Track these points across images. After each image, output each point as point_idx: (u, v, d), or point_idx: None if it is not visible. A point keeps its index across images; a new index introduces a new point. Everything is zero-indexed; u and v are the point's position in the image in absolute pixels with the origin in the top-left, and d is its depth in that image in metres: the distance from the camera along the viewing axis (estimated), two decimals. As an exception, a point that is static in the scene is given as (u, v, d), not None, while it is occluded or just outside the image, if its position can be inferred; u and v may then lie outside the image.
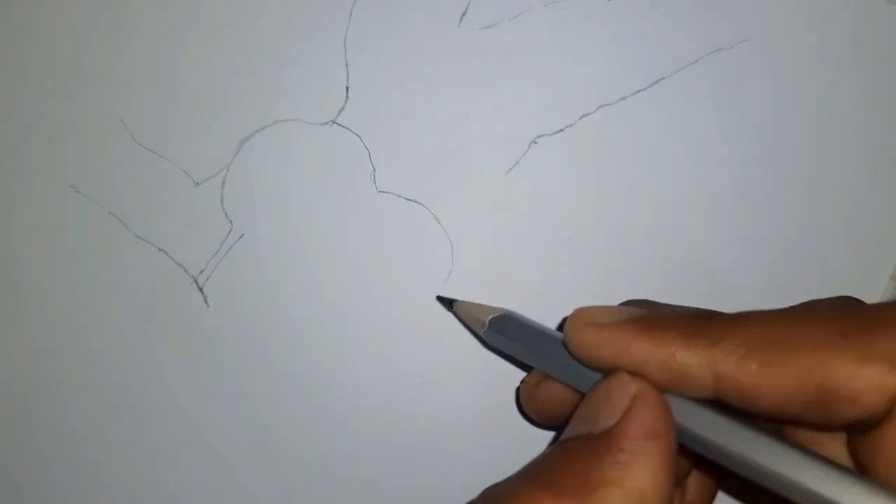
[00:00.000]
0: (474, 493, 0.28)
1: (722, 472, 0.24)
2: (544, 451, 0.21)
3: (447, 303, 0.28)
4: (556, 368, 0.23)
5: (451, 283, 0.29)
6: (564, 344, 0.22)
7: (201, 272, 0.29)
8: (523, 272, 0.29)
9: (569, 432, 0.21)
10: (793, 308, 0.20)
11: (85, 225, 0.29)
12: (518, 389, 0.28)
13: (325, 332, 0.29)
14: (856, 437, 0.20)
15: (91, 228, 0.29)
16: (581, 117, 0.29)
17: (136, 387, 0.29)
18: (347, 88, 0.29)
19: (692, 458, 0.24)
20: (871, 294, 0.29)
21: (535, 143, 0.29)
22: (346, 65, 0.29)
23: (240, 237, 0.29)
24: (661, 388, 0.20)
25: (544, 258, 0.29)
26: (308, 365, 0.29)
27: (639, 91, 0.29)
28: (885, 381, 0.18)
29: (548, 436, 0.29)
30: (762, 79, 0.29)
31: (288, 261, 0.29)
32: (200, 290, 0.29)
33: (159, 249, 0.29)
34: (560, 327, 0.27)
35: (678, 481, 0.24)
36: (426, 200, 0.29)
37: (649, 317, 0.21)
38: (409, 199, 0.29)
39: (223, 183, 0.29)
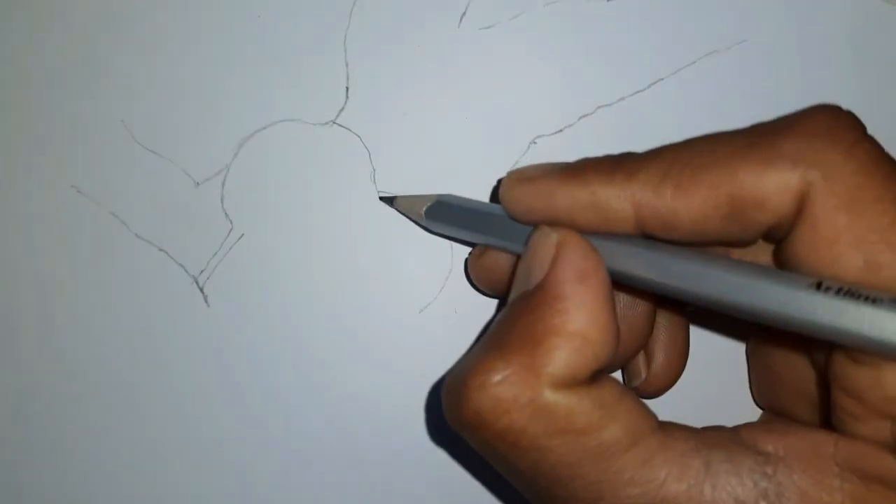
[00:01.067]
0: (478, 489, 0.29)
1: (687, 307, 0.25)
2: (494, 320, 0.21)
3: (389, 201, 0.28)
4: (494, 238, 0.24)
5: (451, 282, 0.29)
6: (502, 205, 0.23)
7: (201, 272, 0.29)
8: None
9: (511, 296, 0.22)
10: (710, 134, 0.21)
11: (85, 225, 0.29)
12: (465, 261, 0.28)
13: (326, 332, 0.29)
14: (778, 248, 0.20)
15: (91, 228, 0.29)
16: (580, 118, 0.29)
17: (135, 387, 0.29)
18: (347, 88, 0.29)
19: (651, 298, 0.24)
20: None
21: (535, 143, 0.29)
22: (346, 65, 0.29)
23: (240, 237, 0.29)
24: (591, 231, 0.21)
25: (544, 258, 0.29)
26: (308, 365, 0.29)
27: (638, 91, 0.29)
28: (788, 179, 0.18)
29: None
30: (762, 79, 0.29)
31: (288, 261, 0.29)
32: (200, 290, 0.29)
33: (159, 249, 0.29)
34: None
35: (639, 337, 0.25)
36: (426, 200, 0.29)
37: (572, 164, 0.21)
38: (408, 200, 0.29)
39: (223, 183, 0.29)
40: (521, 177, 0.22)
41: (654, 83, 0.28)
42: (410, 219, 0.28)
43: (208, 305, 0.29)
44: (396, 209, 0.28)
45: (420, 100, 0.29)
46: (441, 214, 0.26)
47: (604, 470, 0.19)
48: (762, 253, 0.22)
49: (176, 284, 0.29)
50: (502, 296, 0.28)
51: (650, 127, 0.28)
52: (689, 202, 0.19)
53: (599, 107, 0.29)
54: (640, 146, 0.28)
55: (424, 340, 0.28)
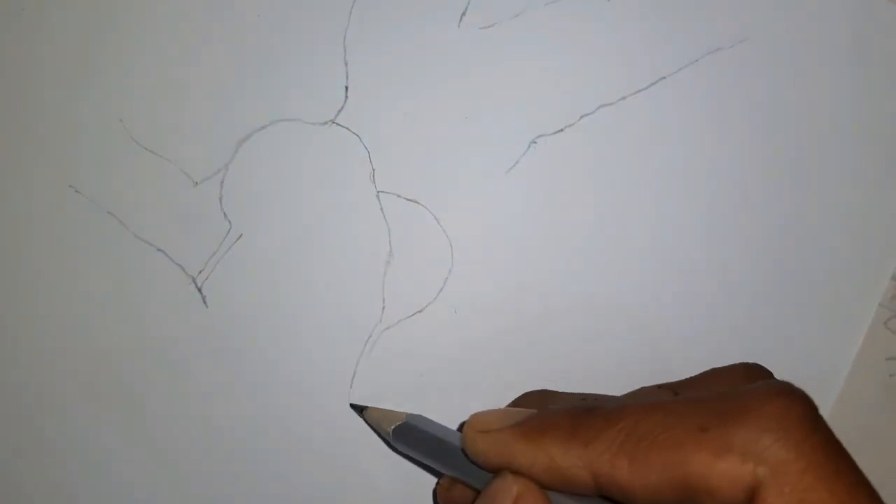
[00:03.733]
0: None
1: None
2: None
3: (358, 410, 0.28)
4: (459, 471, 0.24)
5: (451, 282, 0.28)
6: (464, 450, 0.23)
7: (200, 272, 0.29)
8: (523, 272, 0.28)
9: None
10: (678, 385, 0.22)
11: (84, 225, 0.29)
12: (434, 491, 0.28)
13: (325, 332, 0.28)
14: None
15: (90, 228, 0.29)
16: (581, 117, 0.29)
17: (134, 387, 0.28)
18: (347, 88, 0.29)
19: None
20: (872, 294, 0.29)
21: (535, 143, 0.29)
22: (346, 64, 0.29)
23: (238, 237, 0.29)
24: (550, 489, 0.21)
25: (544, 258, 0.28)
26: (307, 365, 0.28)
27: (639, 91, 0.29)
28: (738, 473, 0.18)
29: None
30: (762, 79, 0.29)
31: (287, 261, 0.29)
32: (199, 290, 0.29)
33: (158, 249, 0.29)
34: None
35: None
36: (426, 200, 0.29)
37: (532, 420, 0.22)
38: (408, 199, 0.29)
39: (222, 183, 0.29)
40: (481, 427, 0.22)
41: (656, 82, 0.28)
42: (377, 433, 0.28)
43: (207, 305, 0.29)
44: (366, 420, 0.28)
45: (420, 100, 0.29)
46: (408, 437, 0.26)
47: None
48: None
49: (174, 284, 0.28)
50: None
51: (651, 125, 0.28)
52: (643, 478, 0.19)
53: (601, 106, 0.28)
54: (641, 145, 0.28)
55: (424, 340, 0.28)
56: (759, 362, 0.26)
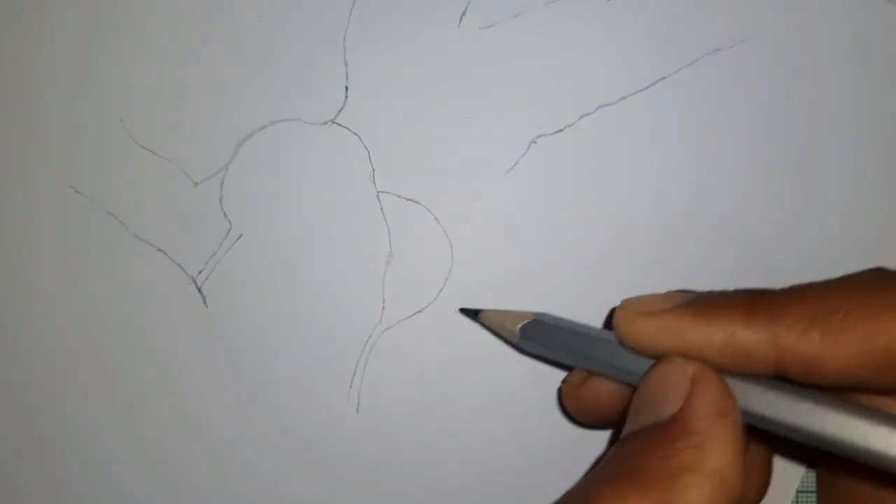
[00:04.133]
0: (476, 494, 0.28)
1: (776, 440, 0.24)
2: (613, 448, 0.21)
3: (472, 314, 0.27)
4: (601, 365, 0.23)
5: (451, 282, 0.28)
6: (619, 337, 0.22)
7: (200, 272, 0.29)
8: (523, 272, 0.28)
9: (631, 425, 0.21)
10: (845, 277, 0.20)
11: (83, 225, 0.29)
12: (560, 390, 0.27)
13: (325, 333, 0.28)
14: None
15: (89, 228, 0.29)
16: (581, 117, 0.29)
17: (134, 387, 0.28)
18: (347, 88, 0.29)
19: (765, 438, 0.24)
20: (872, 294, 0.29)
21: (535, 143, 0.29)
22: (346, 64, 0.29)
23: (239, 237, 0.29)
24: (721, 369, 0.20)
25: (544, 258, 0.28)
26: (307, 365, 0.28)
27: (639, 91, 0.28)
28: None
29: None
30: (762, 79, 0.29)
31: (287, 261, 0.29)
32: (199, 290, 0.29)
33: (158, 249, 0.29)
34: (606, 323, 0.27)
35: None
36: (426, 200, 0.29)
37: (702, 299, 0.21)
38: (408, 199, 0.29)
39: (222, 183, 0.29)
40: (643, 310, 0.21)
41: (656, 82, 0.28)
42: (498, 335, 0.27)
43: (207, 306, 0.29)
44: (482, 324, 0.27)
45: (420, 99, 0.29)
46: (537, 334, 0.25)
47: None
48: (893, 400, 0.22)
49: (174, 285, 0.28)
50: (603, 426, 0.27)
51: (652, 126, 0.28)
52: (839, 351, 0.18)
53: (601, 106, 0.28)
54: (641, 145, 0.28)
55: (424, 340, 0.28)
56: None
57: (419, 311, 0.28)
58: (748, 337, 0.19)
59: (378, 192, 0.29)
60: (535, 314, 0.25)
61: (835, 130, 0.29)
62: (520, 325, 0.25)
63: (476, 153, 0.29)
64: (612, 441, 0.28)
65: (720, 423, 0.19)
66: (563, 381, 0.26)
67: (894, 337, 0.18)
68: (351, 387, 0.28)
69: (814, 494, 0.29)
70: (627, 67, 0.28)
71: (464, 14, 0.29)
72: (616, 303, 0.28)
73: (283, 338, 0.28)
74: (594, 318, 0.28)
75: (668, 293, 0.22)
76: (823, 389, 0.20)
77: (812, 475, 0.28)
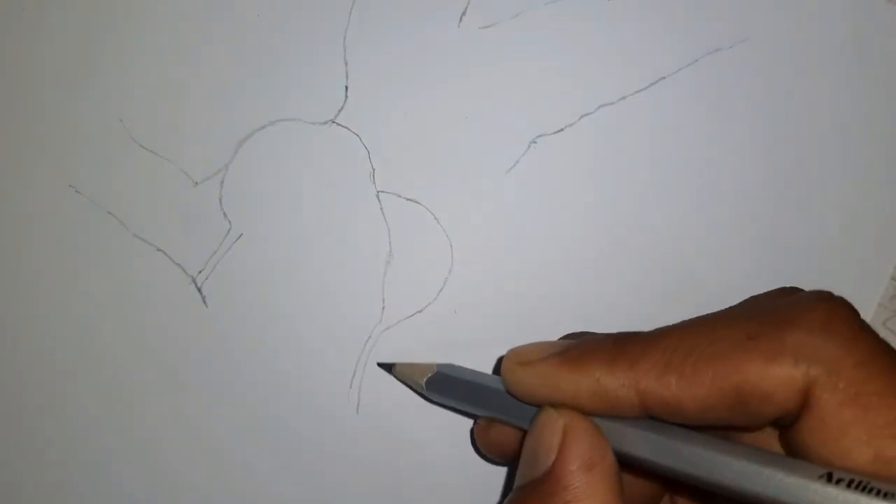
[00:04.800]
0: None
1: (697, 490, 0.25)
2: (505, 501, 0.22)
3: (387, 367, 0.28)
4: (498, 411, 0.24)
5: (451, 282, 0.28)
6: (504, 386, 0.23)
7: (200, 272, 0.29)
8: (523, 272, 0.28)
9: (518, 479, 0.22)
10: (716, 313, 0.21)
11: (83, 224, 0.29)
12: (472, 431, 0.28)
13: (325, 333, 0.28)
14: (785, 434, 0.20)
15: (89, 228, 0.29)
16: (581, 117, 0.29)
17: (134, 387, 0.28)
18: (347, 88, 0.29)
19: (657, 479, 0.25)
20: (872, 294, 0.29)
21: (535, 143, 0.29)
22: (346, 64, 0.29)
23: (238, 237, 0.29)
24: (596, 414, 0.21)
25: (544, 258, 0.28)
26: (307, 365, 0.28)
27: (639, 91, 0.29)
28: (791, 375, 0.18)
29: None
30: (762, 79, 0.29)
31: (287, 261, 0.29)
32: (199, 290, 0.29)
33: (158, 249, 0.29)
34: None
35: (650, 497, 0.25)
36: (426, 200, 0.29)
37: (573, 348, 0.22)
38: (409, 199, 0.29)
39: (222, 183, 0.29)
40: (521, 360, 0.22)
41: (656, 82, 0.28)
42: (409, 386, 0.28)
43: (207, 306, 0.29)
44: (395, 377, 0.28)
45: (420, 99, 0.29)
46: (441, 386, 0.26)
47: None
48: (768, 436, 0.22)
49: (174, 284, 0.28)
50: (505, 462, 0.28)
51: (652, 125, 0.28)
52: (693, 392, 0.19)
53: (601, 105, 0.28)
54: (641, 145, 0.28)
55: (424, 340, 0.28)
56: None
57: (419, 311, 0.28)
58: (612, 383, 0.20)
59: (378, 192, 0.29)
60: (440, 366, 0.26)
61: (835, 130, 0.29)
62: (424, 379, 0.26)
63: (476, 153, 0.29)
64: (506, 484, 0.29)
65: (590, 474, 0.20)
66: (475, 424, 0.27)
67: (740, 378, 0.19)
68: (351, 387, 0.28)
69: None
70: (627, 67, 0.28)
71: (464, 14, 0.29)
72: (616, 302, 0.29)
73: (283, 338, 0.28)
74: (594, 318, 0.28)
75: (549, 342, 0.23)
76: (693, 429, 0.20)
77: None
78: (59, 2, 0.29)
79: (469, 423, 0.28)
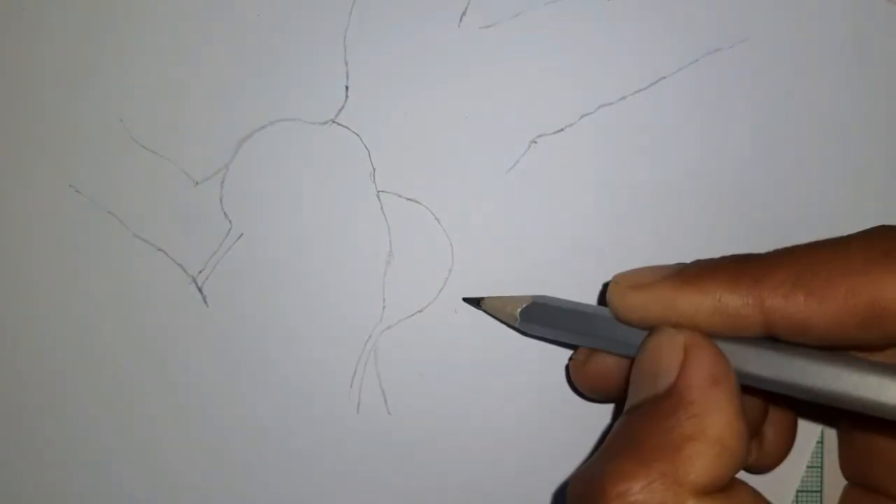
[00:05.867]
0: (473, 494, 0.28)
1: (796, 403, 0.24)
2: (616, 425, 0.21)
3: (474, 302, 0.28)
4: (600, 341, 0.24)
5: (451, 282, 0.28)
6: (612, 312, 0.22)
7: (200, 272, 0.29)
8: (523, 272, 0.28)
9: (632, 399, 0.21)
10: (832, 239, 0.21)
11: (84, 224, 0.29)
12: (567, 367, 0.28)
13: (325, 333, 0.28)
14: None
15: (90, 228, 0.29)
16: (581, 117, 0.29)
17: (134, 387, 0.28)
18: (347, 88, 0.29)
19: (763, 397, 0.24)
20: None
21: (535, 142, 0.29)
22: (346, 64, 0.29)
23: (239, 237, 0.29)
24: (713, 335, 0.20)
25: (544, 258, 0.28)
26: (307, 365, 0.28)
27: (639, 91, 0.29)
28: None
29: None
30: (762, 79, 0.29)
31: (287, 261, 0.29)
32: (199, 289, 0.29)
33: (158, 249, 0.29)
34: (600, 299, 0.27)
35: (755, 426, 0.25)
36: (426, 200, 0.29)
37: (689, 269, 0.21)
38: (409, 199, 0.29)
39: (222, 182, 0.29)
40: (633, 283, 0.22)
41: (656, 82, 0.28)
42: (500, 320, 0.27)
43: (207, 305, 0.29)
44: (484, 310, 0.27)
45: (420, 99, 0.29)
46: (537, 316, 0.25)
47: None
48: (888, 358, 0.22)
49: (175, 284, 0.28)
50: (611, 400, 0.27)
51: (652, 126, 0.28)
52: (823, 309, 0.19)
53: (601, 105, 0.28)
54: (641, 145, 0.28)
55: (424, 340, 0.28)
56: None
57: (419, 311, 0.28)
58: (735, 301, 0.20)
59: (378, 191, 0.29)
60: (535, 297, 0.26)
61: (835, 130, 0.29)
62: (520, 309, 0.26)
63: (476, 153, 0.29)
64: (616, 415, 0.28)
65: (715, 390, 0.19)
66: (570, 359, 0.27)
67: (876, 292, 0.18)
68: (351, 387, 0.28)
69: (815, 494, 0.29)
70: (627, 67, 0.28)
71: (464, 14, 0.29)
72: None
73: (283, 337, 0.28)
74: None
75: (659, 266, 0.22)
76: (815, 347, 0.20)
77: (813, 473, 0.29)
78: (59, 2, 0.29)
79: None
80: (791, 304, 0.19)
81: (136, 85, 0.29)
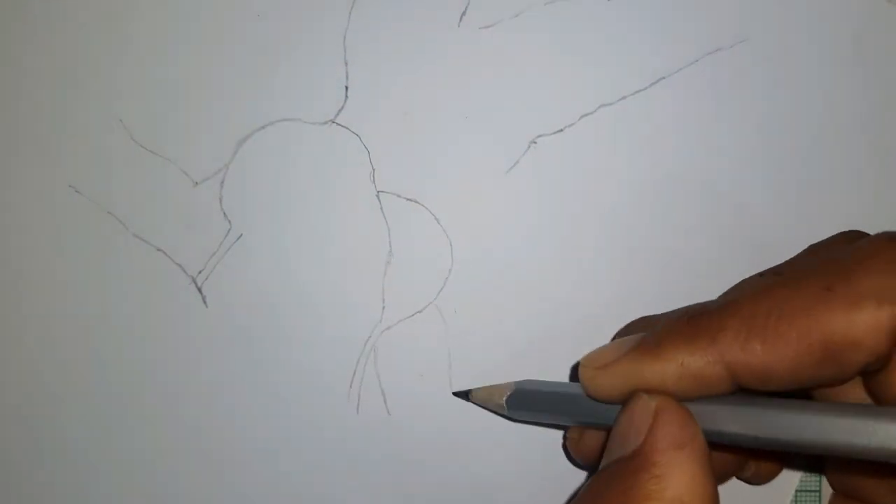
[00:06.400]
0: (474, 492, 0.28)
1: (779, 456, 0.25)
2: (583, 487, 0.22)
3: (463, 395, 0.28)
4: (584, 418, 0.24)
5: (451, 283, 0.28)
6: (585, 392, 0.23)
7: (200, 272, 0.29)
8: (523, 272, 0.28)
9: (604, 461, 0.22)
10: (779, 267, 0.21)
11: (83, 225, 0.29)
12: (564, 446, 0.28)
13: (325, 333, 0.28)
14: (872, 380, 0.20)
15: (89, 228, 0.29)
16: (581, 117, 0.29)
17: (134, 387, 0.28)
18: (347, 88, 0.29)
19: (740, 451, 0.25)
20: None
21: (535, 143, 0.29)
22: (346, 64, 0.29)
23: (238, 237, 0.29)
24: (685, 398, 0.21)
25: (544, 258, 0.28)
26: (307, 365, 0.28)
27: (639, 91, 0.29)
28: (877, 318, 0.18)
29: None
30: (762, 79, 0.29)
31: (287, 261, 0.29)
32: (199, 290, 0.29)
33: (158, 249, 0.29)
34: (572, 376, 0.28)
35: (728, 477, 0.25)
36: (426, 200, 0.29)
37: (647, 339, 0.21)
38: (408, 199, 0.29)
39: (222, 183, 0.29)
40: (599, 364, 0.22)
41: (656, 82, 0.28)
42: (489, 410, 0.28)
43: (207, 306, 0.29)
44: (473, 402, 0.28)
45: (420, 99, 0.29)
46: (522, 402, 0.26)
47: None
48: (853, 388, 0.22)
49: (174, 284, 0.28)
50: None
51: (652, 126, 0.28)
52: (780, 354, 0.19)
53: (601, 106, 0.28)
54: (641, 145, 0.28)
55: (424, 340, 0.28)
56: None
57: (419, 311, 0.28)
58: (696, 363, 0.20)
59: (378, 192, 0.29)
60: (517, 384, 0.26)
61: (835, 130, 0.29)
62: (505, 397, 0.26)
63: (476, 153, 0.29)
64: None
65: (679, 453, 0.20)
66: (565, 437, 0.28)
67: (825, 330, 0.19)
68: (351, 387, 0.28)
69: (814, 494, 0.29)
70: (627, 67, 0.28)
71: (464, 14, 0.29)
72: (616, 301, 0.29)
73: (283, 338, 0.28)
74: (594, 318, 0.28)
75: (621, 340, 0.23)
76: (786, 396, 0.20)
77: (811, 474, 0.29)
78: (60, 2, 0.29)
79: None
80: (749, 354, 0.19)
81: (136, 85, 0.29)
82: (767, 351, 0.19)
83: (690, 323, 0.21)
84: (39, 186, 0.29)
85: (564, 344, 0.28)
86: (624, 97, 0.28)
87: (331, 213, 0.29)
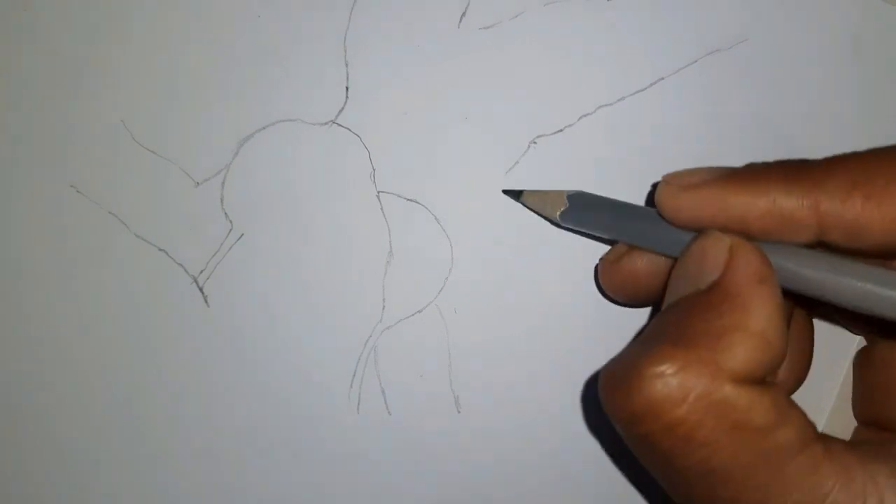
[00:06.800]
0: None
1: (817, 307, 0.24)
2: (656, 317, 0.21)
3: (514, 194, 0.27)
4: (642, 238, 0.23)
5: (450, 282, 0.29)
6: (661, 211, 0.22)
7: (201, 272, 0.29)
8: (523, 272, 0.29)
9: (673, 295, 0.21)
10: (887, 146, 0.21)
11: (85, 225, 0.29)
12: (597, 268, 0.28)
13: (325, 333, 0.28)
14: None
15: (91, 228, 0.29)
16: (580, 117, 0.29)
17: (135, 387, 0.29)
18: (347, 88, 0.29)
19: (796, 302, 0.24)
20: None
21: (535, 143, 0.29)
22: (346, 65, 0.29)
23: (240, 237, 0.29)
24: (761, 238, 0.20)
25: (544, 258, 0.29)
26: (308, 365, 0.29)
27: (639, 91, 0.29)
28: None
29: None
30: (762, 79, 0.29)
31: (288, 261, 0.29)
32: (200, 290, 0.29)
33: (159, 249, 0.29)
34: (648, 200, 0.27)
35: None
36: (426, 200, 0.29)
37: (741, 170, 0.21)
38: (409, 199, 0.29)
39: (223, 183, 0.29)
40: (684, 183, 0.21)
41: (655, 82, 0.28)
42: (540, 214, 0.27)
43: (208, 305, 0.29)
44: (524, 204, 0.27)
45: (420, 100, 0.29)
46: (577, 212, 0.25)
47: (774, 473, 0.18)
48: None
49: (176, 284, 0.29)
50: (637, 303, 0.27)
51: (651, 126, 0.28)
52: (881, 213, 0.19)
53: (600, 106, 0.28)
54: (641, 146, 0.28)
55: (424, 340, 0.28)
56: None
57: (419, 311, 0.29)
58: (789, 204, 0.20)
59: (378, 192, 0.29)
60: (575, 192, 0.26)
61: (835, 130, 0.29)
62: (566, 195, 0.26)
63: (476, 153, 0.29)
64: (651, 317, 0.28)
65: (761, 287, 0.19)
66: (601, 259, 0.27)
67: None
68: (351, 387, 0.29)
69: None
70: (627, 67, 0.28)
71: (464, 14, 0.29)
72: (613, 311, 0.29)
73: (283, 337, 0.29)
74: (594, 318, 0.28)
75: (709, 167, 0.22)
76: (857, 256, 0.20)
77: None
78: (60, 2, 0.29)
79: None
80: (848, 208, 0.19)
81: (138, 86, 0.29)
82: (868, 208, 0.19)
83: (792, 166, 0.20)
84: (41, 187, 0.29)
85: (565, 344, 0.28)
86: (623, 98, 0.28)
87: (331, 213, 0.29)
